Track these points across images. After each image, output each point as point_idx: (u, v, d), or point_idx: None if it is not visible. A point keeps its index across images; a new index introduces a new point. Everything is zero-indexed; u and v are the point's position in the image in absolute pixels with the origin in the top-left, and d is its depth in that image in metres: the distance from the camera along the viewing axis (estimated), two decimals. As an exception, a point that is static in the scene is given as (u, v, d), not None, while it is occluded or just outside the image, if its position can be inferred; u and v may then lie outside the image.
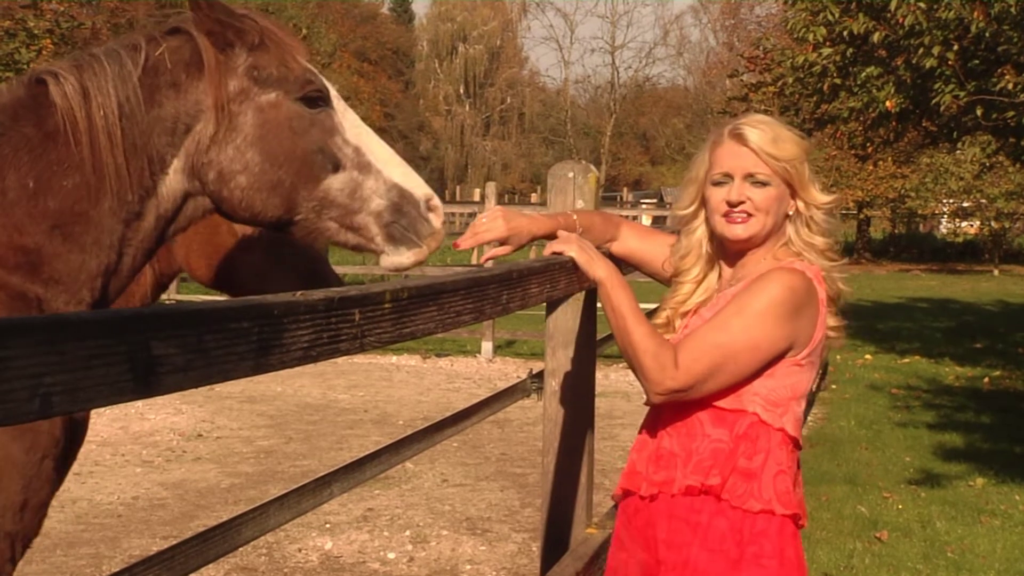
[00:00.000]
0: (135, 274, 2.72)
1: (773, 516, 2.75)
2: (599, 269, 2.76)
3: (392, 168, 2.77)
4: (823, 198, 2.87)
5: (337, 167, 2.71)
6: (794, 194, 2.85)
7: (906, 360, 15.92)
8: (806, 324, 2.78)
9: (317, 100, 2.72)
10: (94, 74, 2.55)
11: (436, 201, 2.81)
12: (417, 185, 2.79)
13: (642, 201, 50.90)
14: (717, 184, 2.86)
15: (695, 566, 2.77)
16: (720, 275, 2.98)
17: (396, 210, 2.74)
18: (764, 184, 2.82)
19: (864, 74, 13.14)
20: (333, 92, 2.80)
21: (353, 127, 2.77)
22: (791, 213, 2.87)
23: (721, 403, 2.78)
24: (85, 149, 2.51)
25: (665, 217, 26.01)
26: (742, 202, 2.82)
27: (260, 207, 2.67)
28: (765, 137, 2.81)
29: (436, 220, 2.80)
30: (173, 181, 2.62)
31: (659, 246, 3.16)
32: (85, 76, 2.55)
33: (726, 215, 2.85)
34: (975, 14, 10.95)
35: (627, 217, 4.63)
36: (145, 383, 1.31)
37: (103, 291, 2.59)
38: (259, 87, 2.66)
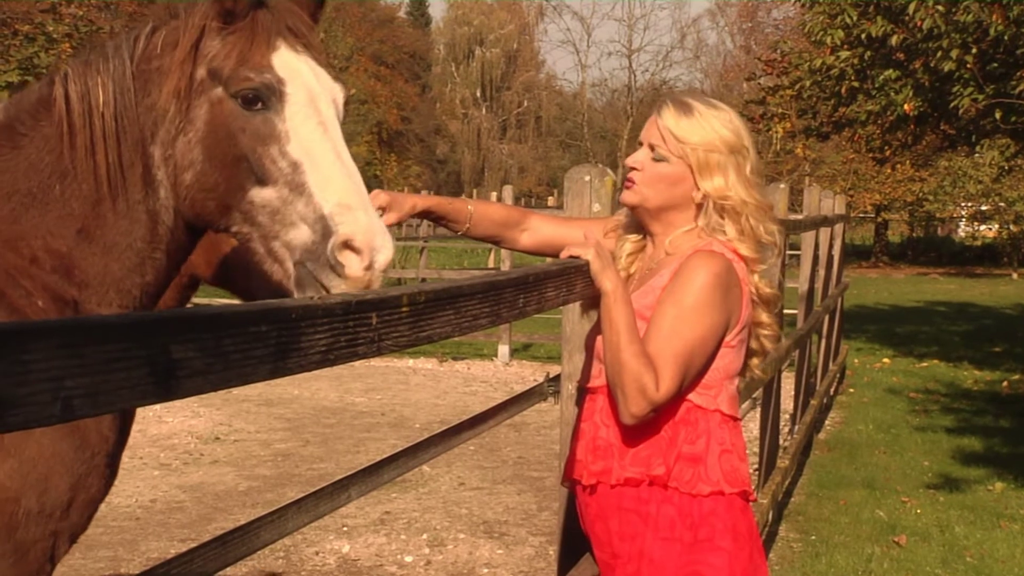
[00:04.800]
0: (169, 275, 2.69)
1: (722, 496, 2.77)
2: (607, 280, 2.75)
3: (329, 195, 2.36)
4: (734, 193, 2.80)
5: (263, 180, 2.41)
6: (696, 180, 2.83)
7: (924, 364, 15.86)
8: (734, 304, 2.80)
9: (253, 101, 2.44)
10: (96, 72, 2.54)
11: (360, 241, 2.32)
12: (347, 222, 2.33)
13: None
14: (636, 149, 2.93)
15: (651, 556, 2.78)
16: (653, 246, 2.98)
17: (311, 249, 2.37)
18: (661, 160, 2.84)
19: (882, 77, 13.10)
20: (301, 96, 2.46)
21: (303, 139, 2.42)
22: (698, 200, 2.84)
23: None
24: (81, 151, 2.51)
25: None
26: (634, 168, 2.88)
27: (200, 208, 2.52)
28: (674, 115, 2.83)
29: (355, 264, 2.33)
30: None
31: (575, 230, 3.11)
32: (88, 75, 2.54)
33: (626, 178, 2.92)
34: (993, 17, 10.91)
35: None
36: (165, 386, 1.32)
37: (137, 293, 2.60)
38: (212, 80, 2.48)
